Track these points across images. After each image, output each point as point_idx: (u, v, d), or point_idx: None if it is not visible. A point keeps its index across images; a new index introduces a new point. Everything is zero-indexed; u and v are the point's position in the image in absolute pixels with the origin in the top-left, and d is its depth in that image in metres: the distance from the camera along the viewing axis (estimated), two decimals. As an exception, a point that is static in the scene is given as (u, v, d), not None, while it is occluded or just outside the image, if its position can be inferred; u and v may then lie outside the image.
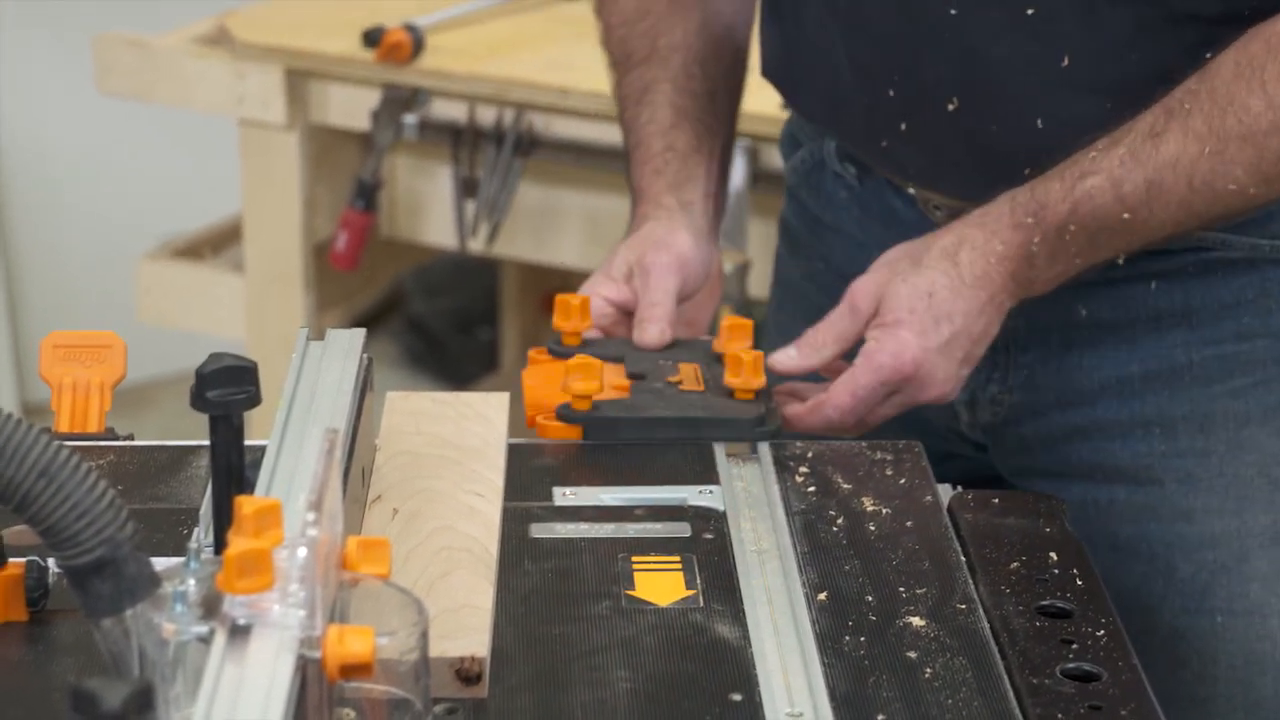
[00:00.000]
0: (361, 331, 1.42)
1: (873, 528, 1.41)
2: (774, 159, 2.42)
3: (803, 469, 1.48)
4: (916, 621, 1.29)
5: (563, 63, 2.80)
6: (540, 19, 2.98)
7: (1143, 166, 1.50)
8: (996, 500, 1.46)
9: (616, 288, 1.67)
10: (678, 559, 1.36)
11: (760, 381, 1.55)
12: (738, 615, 1.29)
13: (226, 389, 1.24)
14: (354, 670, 1.06)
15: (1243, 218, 1.58)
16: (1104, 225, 1.52)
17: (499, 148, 2.83)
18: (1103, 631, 1.29)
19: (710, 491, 1.45)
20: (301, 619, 1.04)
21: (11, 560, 1.25)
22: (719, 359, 1.60)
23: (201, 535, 1.30)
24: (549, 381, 1.56)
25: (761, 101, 1.84)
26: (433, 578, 1.28)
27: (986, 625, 1.29)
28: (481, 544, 1.33)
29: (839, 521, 1.42)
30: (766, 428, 1.53)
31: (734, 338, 1.61)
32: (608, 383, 1.55)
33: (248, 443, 1.27)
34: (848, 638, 1.27)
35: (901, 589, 1.33)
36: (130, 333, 1.54)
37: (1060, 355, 1.68)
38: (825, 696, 1.20)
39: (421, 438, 1.47)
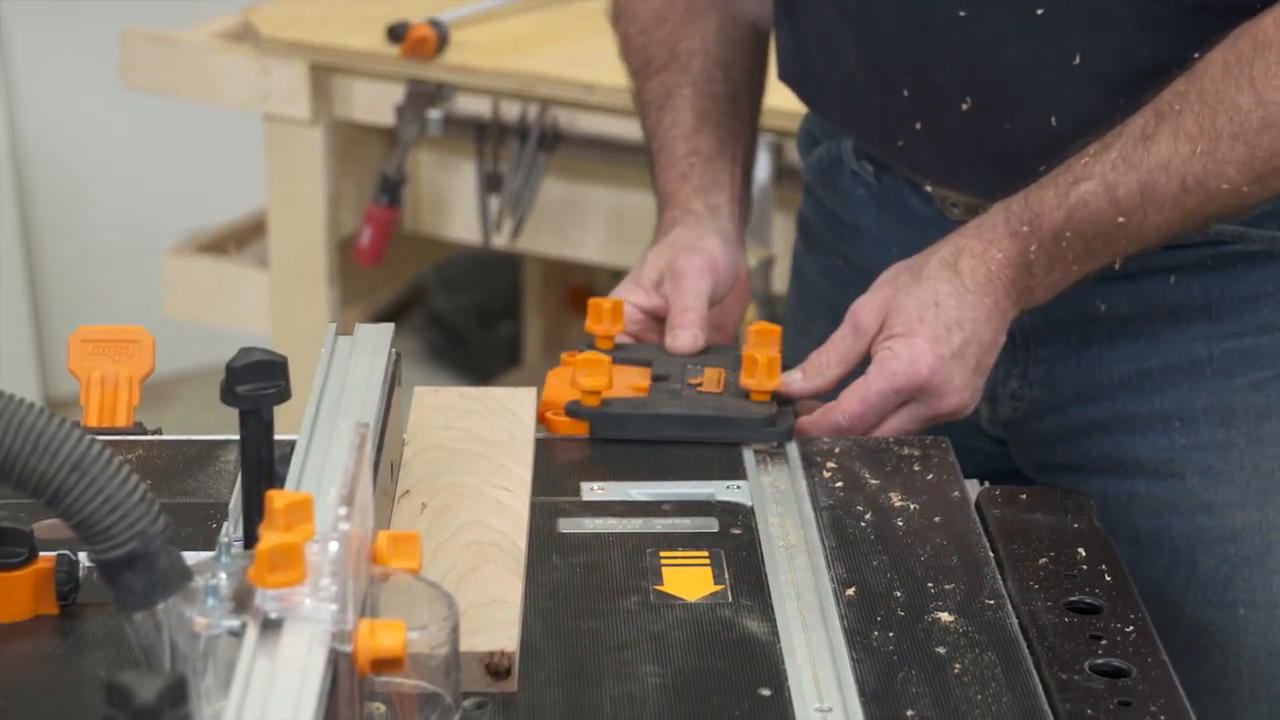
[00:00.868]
0: (390, 326, 1.42)
1: (900, 523, 1.41)
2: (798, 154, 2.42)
3: (830, 464, 1.48)
4: (945, 617, 1.29)
5: (587, 58, 2.80)
6: (564, 14, 2.98)
7: (1135, 169, 1.50)
8: (1024, 495, 1.45)
9: (646, 294, 1.67)
10: (706, 554, 1.36)
11: (776, 384, 1.55)
12: (766, 610, 1.29)
13: (257, 384, 1.24)
14: (385, 665, 1.06)
15: (1238, 217, 1.57)
16: (1099, 230, 1.52)
17: (523, 143, 2.84)
18: (1131, 627, 1.29)
19: (738, 487, 1.45)
20: (333, 613, 1.04)
21: (42, 554, 1.26)
22: None
23: (231, 529, 1.30)
24: (567, 383, 1.56)
25: (786, 97, 1.84)
26: (462, 572, 1.29)
27: (1015, 621, 1.29)
28: (510, 539, 1.34)
29: (867, 517, 1.41)
30: (776, 429, 1.53)
31: (761, 343, 1.59)
32: (628, 384, 1.55)
33: (275, 437, 1.27)
34: (876, 633, 1.27)
35: (930, 584, 1.33)
36: (152, 328, 1.54)
37: (1079, 350, 1.68)
38: (854, 692, 1.20)
39: (450, 433, 1.47)
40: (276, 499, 1.06)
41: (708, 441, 1.52)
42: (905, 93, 1.63)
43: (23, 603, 1.25)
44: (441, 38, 2.84)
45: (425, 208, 3.03)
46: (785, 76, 1.78)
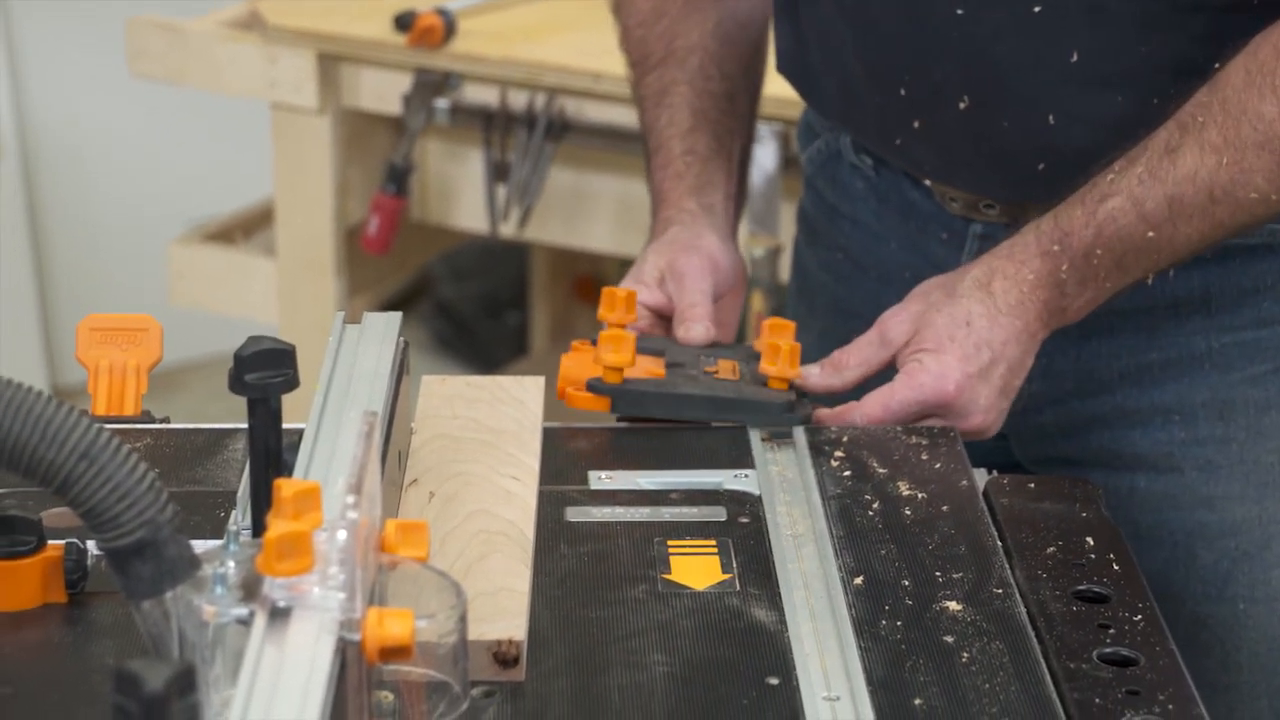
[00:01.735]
0: (397, 315, 1.42)
1: (908, 512, 1.41)
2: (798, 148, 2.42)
3: (838, 453, 1.48)
4: (953, 606, 1.29)
5: (594, 47, 2.80)
6: (572, 3, 2.98)
7: (1162, 183, 1.50)
8: (1032, 485, 1.45)
9: (650, 292, 1.67)
10: (713, 543, 1.36)
11: (795, 372, 1.55)
12: (774, 599, 1.29)
13: (265, 372, 1.24)
14: (393, 653, 1.06)
15: (1270, 224, 1.57)
16: (1130, 246, 1.52)
17: (530, 132, 2.84)
18: (1140, 616, 1.29)
19: (746, 476, 1.45)
20: (341, 601, 1.05)
21: (51, 542, 1.26)
22: (758, 356, 1.59)
23: (239, 518, 1.30)
24: (585, 362, 1.56)
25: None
26: (470, 561, 1.29)
27: (1023, 610, 1.29)
28: (518, 527, 1.34)
29: (874, 506, 1.41)
30: (795, 414, 1.53)
31: (776, 335, 1.60)
32: (644, 368, 1.55)
33: (283, 426, 1.27)
34: (884, 622, 1.27)
35: (938, 573, 1.33)
36: (160, 316, 1.54)
37: (1079, 344, 1.67)
38: (862, 680, 1.20)
39: (457, 421, 1.47)
40: (285, 487, 1.06)
41: (726, 425, 1.52)
42: (903, 91, 1.63)
43: (31, 591, 1.25)
44: (449, 26, 2.84)
45: (433, 197, 3.03)
46: (784, 70, 1.78)
